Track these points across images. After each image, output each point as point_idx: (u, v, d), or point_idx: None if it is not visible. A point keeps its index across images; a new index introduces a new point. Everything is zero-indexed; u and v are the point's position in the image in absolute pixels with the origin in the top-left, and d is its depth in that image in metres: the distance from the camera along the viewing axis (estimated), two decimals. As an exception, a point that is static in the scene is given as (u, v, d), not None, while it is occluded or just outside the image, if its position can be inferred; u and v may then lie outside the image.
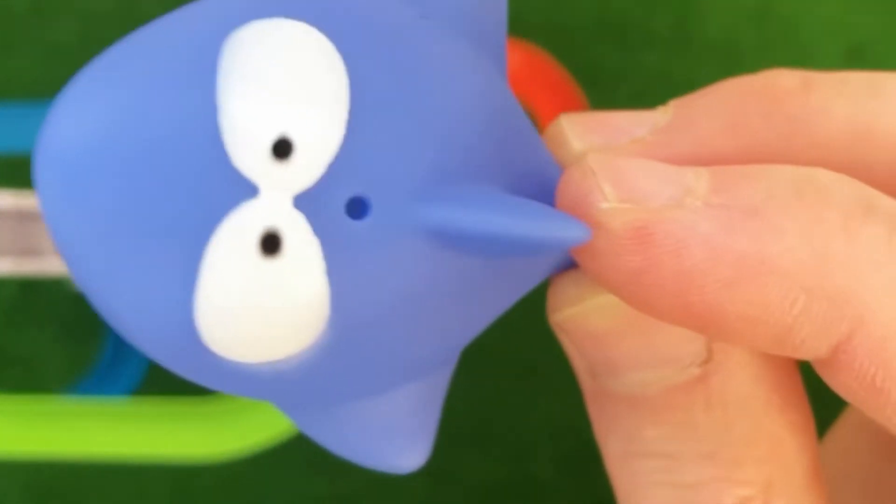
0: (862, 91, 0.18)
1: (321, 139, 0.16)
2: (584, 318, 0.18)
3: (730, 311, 0.16)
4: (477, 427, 0.29)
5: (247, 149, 0.15)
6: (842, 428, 0.23)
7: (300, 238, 0.16)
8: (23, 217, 0.27)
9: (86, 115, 0.16)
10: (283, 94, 0.16)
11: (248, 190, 0.15)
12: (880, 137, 0.18)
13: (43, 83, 0.29)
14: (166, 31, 0.16)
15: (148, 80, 0.16)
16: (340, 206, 0.16)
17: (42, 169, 0.16)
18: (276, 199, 0.16)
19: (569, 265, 0.18)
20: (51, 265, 0.27)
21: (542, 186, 0.18)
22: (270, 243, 0.16)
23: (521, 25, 0.29)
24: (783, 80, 0.18)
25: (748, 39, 0.30)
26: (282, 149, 0.16)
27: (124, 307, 0.16)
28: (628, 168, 0.17)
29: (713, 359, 0.18)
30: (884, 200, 0.16)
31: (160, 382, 0.28)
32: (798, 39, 0.30)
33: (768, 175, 0.16)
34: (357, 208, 0.16)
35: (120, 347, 0.29)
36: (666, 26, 0.30)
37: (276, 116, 0.15)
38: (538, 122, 0.29)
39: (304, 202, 0.16)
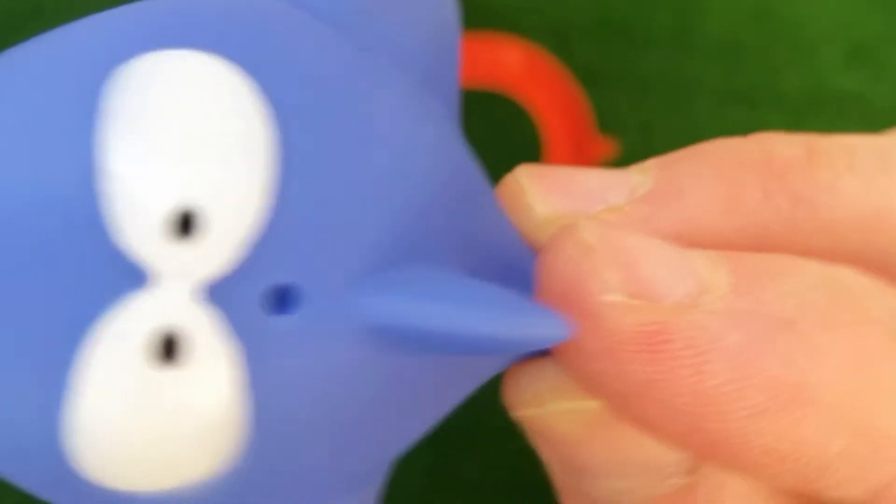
0: (872, 165, 0.15)
1: (237, 211, 0.12)
2: (548, 422, 0.15)
3: (755, 444, 0.13)
4: (477, 427, 0.29)
5: (135, 223, 0.12)
6: None
7: (206, 342, 0.12)
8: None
9: None
10: (187, 152, 0.12)
11: (136, 278, 0.12)
12: (894, 223, 0.15)
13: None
14: (41, 57, 0.12)
15: (5, 129, 0.12)
16: (261, 299, 0.12)
17: None
18: (174, 290, 0.12)
19: (529, 354, 0.15)
20: None
21: (504, 264, 0.14)
22: (165, 348, 0.12)
23: (521, 25, 0.29)
24: (784, 150, 0.15)
25: (748, 39, 0.30)
26: (184, 224, 0.12)
27: None
28: (639, 250, 0.13)
29: (700, 468, 0.15)
30: None
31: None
32: (798, 39, 0.30)
33: (795, 273, 0.14)
34: (282, 301, 0.12)
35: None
36: (666, 26, 0.30)
37: (177, 181, 0.12)
38: (539, 123, 0.29)
39: (213, 294, 0.12)
